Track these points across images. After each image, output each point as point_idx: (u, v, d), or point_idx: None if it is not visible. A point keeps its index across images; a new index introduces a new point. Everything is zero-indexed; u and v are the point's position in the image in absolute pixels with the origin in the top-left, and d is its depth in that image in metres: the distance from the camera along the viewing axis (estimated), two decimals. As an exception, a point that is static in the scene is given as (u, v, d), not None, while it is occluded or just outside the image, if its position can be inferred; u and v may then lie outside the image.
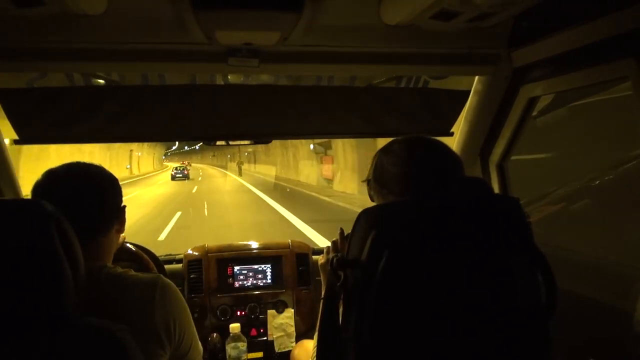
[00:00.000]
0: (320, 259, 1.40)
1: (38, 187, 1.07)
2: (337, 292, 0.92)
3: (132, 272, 1.09)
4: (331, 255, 1.19)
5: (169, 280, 1.12)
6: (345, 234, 1.32)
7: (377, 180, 1.10)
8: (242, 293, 2.09)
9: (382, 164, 1.09)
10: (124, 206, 1.19)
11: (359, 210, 0.91)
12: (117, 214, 1.16)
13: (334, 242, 1.33)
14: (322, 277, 1.37)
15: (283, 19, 1.22)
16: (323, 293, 1.20)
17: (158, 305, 1.04)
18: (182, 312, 1.12)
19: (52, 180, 1.09)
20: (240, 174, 36.92)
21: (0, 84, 1.47)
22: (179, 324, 1.09)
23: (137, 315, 1.01)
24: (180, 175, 32.44)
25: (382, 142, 1.26)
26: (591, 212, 1.70)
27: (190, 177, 34.69)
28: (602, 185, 1.63)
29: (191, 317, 1.18)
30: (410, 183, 1.01)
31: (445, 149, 1.06)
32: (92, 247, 1.06)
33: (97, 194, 1.11)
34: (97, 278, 1.03)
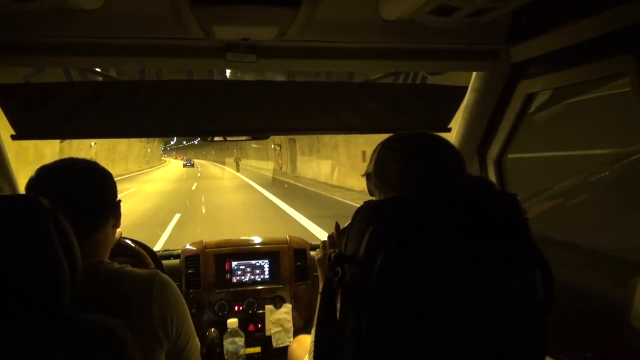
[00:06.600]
0: (316, 253, 1.40)
1: (32, 184, 1.07)
2: (335, 287, 0.92)
3: (130, 268, 1.09)
4: (328, 250, 1.19)
5: (166, 276, 1.12)
6: (341, 228, 1.32)
7: (377, 175, 1.09)
8: (240, 288, 2.09)
9: (383, 159, 1.08)
10: (119, 200, 1.19)
11: None
12: (113, 208, 1.16)
13: (330, 237, 1.33)
14: (319, 272, 1.37)
15: (281, 14, 1.22)
16: (320, 288, 1.20)
17: (155, 301, 1.04)
18: (179, 307, 1.12)
19: (47, 176, 1.08)
20: (237, 169, 37.17)
21: None
22: (177, 320, 1.09)
23: (135, 311, 1.01)
24: (189, 165, 50.77)
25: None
26: (588, 207, 1.71)
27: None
28: (600, 181, 1.64)
29: (188, 313, 1.18)
30: (412, 179, 1.00)
31: (448, 145, 1.06)
32: (89, 242, 1.06)
33: (93, 188, 1.11)
34: (95, 273, 1.03)
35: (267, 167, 37.48)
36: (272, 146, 34.01)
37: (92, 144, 24.41)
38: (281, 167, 31.61)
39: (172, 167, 52.35)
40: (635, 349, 1.32)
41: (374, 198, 1.11)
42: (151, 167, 51.90)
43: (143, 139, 41.76)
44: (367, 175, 1.14)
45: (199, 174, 35.33)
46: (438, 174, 0.99)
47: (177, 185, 24.44)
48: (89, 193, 1.10)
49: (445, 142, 1.06)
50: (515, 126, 1.66)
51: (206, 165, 54.55)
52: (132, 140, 34.77)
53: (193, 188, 21.85)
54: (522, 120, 1.64)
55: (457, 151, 1.07)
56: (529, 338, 0.91)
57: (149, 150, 55.91)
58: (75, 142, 18.64)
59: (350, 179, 17.29)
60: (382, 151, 1.10)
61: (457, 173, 1.01)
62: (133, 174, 34.66)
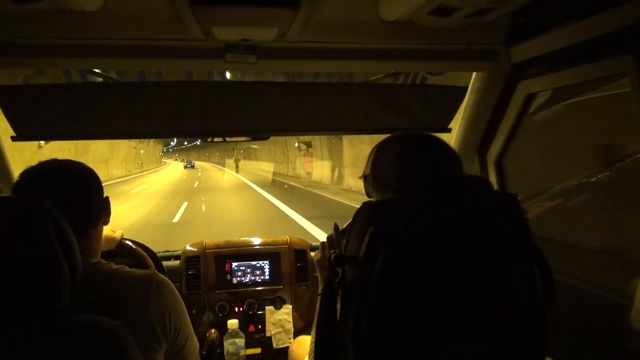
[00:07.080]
0: (315, 255, 1.40)
1: (19, 188, 1.05)
2: (335, 288, 0.92)
3: (127, 269, 1.09)
4: (328, 251, 1.19)
5: (163, 276, 1.12)
6: (340, 229, 1.32)
7: (375, 177, 1.09)
8: (240, 289, 2.09)
9: (381, 161, 1.08)
10: (107, 197, 1.20)
11: None
12: (104, 204, 1.17)
13: (329, 238, 1.32)
14: (318, 273, 1.37)
15: (281, 15, 1.22)
16: (320, 289, 1.20)
17: (153, 301, 1.04)
18: (177, 307, 1.13)
19: (33, 178, 1.07)
20: (237, 170, 37.28)
21: None
22: (175, 319, 1.09)
23: (133, 311, 1.01)
24: (190, 166, 52.18)
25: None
26: (589, 207, 1.71)
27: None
28: (600, 181, 1.64)
29: (187, 313, 1.18)
30: (409, 180, 1.00)
31: (445, 146, 1.06)
32: (84, 241, 1.05)
33: (83, 187, 1.11)
34: (93, 274, 1.03)
35: (286, 172, 30.33)
36: (296, 145, 25.85)
37: (42, 143, 15.54)
38: (310, 174, 24.04)
39: (169, 172, 43.89)
40: (636, 350, 1.32)
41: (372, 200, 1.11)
42: (143, 172, 42.54)
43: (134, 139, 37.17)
44: (364, 177, 1.14)
45: (196, 183, 26.18)
46: (436, 175, 0.99)
47: (158, 205, 14.62)
48: (80, 192, 1.10)
49: (443, 143, 1.06)
50: (515, 126, 1.66)
51: (208, 169, 47.67)
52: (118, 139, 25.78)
53: (176, 220, 11.45)
54: (522, 120, 1.64)
55: (455, 152, 1.07)
56: (529, 338, 0.91)
57: (141, 151, 47.28)
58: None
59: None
60: (378, 153, 1.09)
61: (455, 173, 1.01)
62: (112, 182, 25.17)
